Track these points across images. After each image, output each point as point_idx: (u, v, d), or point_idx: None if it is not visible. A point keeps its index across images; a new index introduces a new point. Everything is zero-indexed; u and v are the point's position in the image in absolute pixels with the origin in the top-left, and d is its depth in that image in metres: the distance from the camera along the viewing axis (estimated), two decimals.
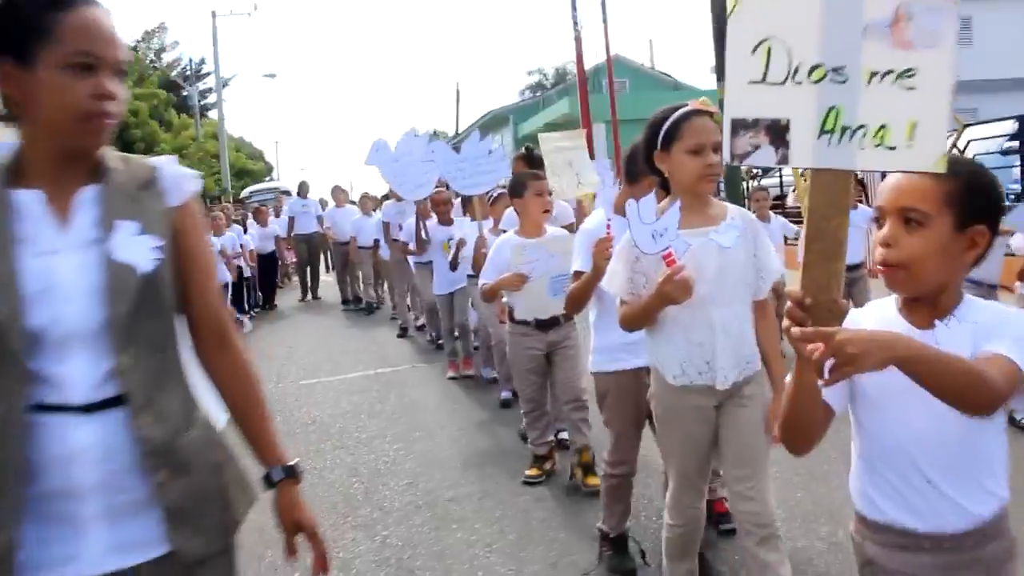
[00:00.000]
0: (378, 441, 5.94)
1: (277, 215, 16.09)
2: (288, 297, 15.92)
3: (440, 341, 8.81)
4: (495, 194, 6.54)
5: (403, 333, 10.41)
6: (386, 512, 4.59)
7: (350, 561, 4.03)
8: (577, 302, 3.59)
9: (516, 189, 4.83)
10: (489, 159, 6.03)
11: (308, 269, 15.44)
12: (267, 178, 51.63)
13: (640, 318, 2.80)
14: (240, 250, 12.61)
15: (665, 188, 2.90)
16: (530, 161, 6.26)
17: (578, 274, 3.51)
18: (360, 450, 5.78)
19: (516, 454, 5.39)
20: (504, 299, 4.99)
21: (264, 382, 6.58)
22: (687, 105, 2.79)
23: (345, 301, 13.93)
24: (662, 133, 2.76)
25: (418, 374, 8.16)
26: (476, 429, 6.08)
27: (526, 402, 4.95)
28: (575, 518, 4.28)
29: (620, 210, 3.10)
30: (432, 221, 8.01)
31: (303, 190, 15.84)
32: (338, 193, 14.56)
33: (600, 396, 3.67)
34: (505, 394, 6.61)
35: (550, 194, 4.98)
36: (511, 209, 5.44)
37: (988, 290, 5.23)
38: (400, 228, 9.27)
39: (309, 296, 15.32)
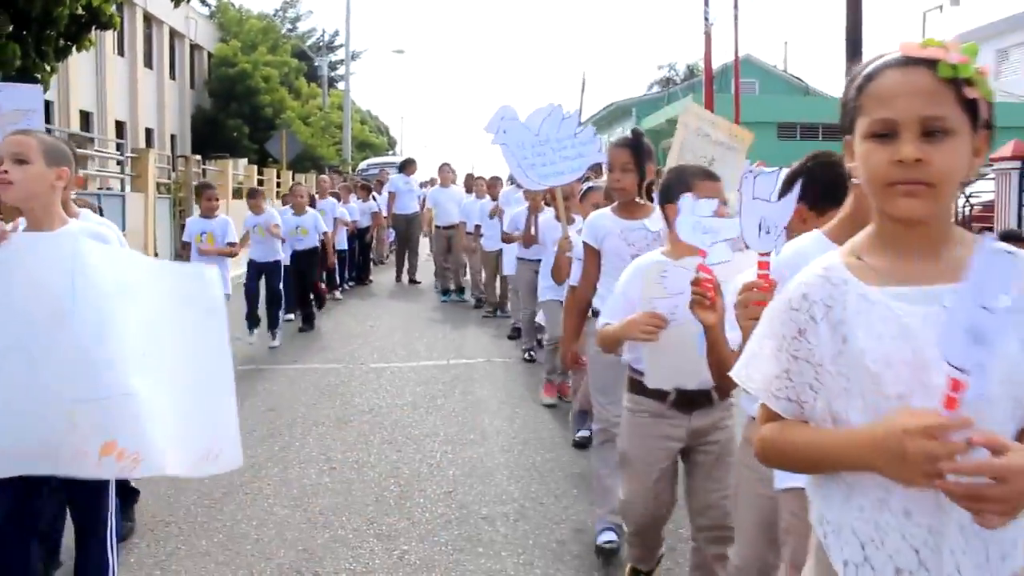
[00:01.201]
0: (428, 440, 5.66)
1: (376, 190, 15.54)
2: (386, 275, 15.64)
3: (532, 353, 8.13)
4: (585, 187, 5.49)
5: (515, 334, 9.13)
6: (414, 523, 4.29)
7: (360, 575, 3.75)
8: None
9: (677, 191, 2.84)
10: (575, 141, 4.80)
11: (406, 251, 14.65)
12: (388, 152, 52.47)
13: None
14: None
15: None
16: (635, 149, 4.03)
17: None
18: (407, 448, 5.51)
19: (565, 472, 5.02)
20: (625, 355, 3.16)
21: (335, 360, 6.49)
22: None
23: (445, 291, 12.65)
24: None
25: (490, 370, 7.85)
26: (532, 439, 5.72)
27: (635, 532, 3.32)
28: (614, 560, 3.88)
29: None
30: (546, 215, 6.87)
31: (408, 167, 15.15)
32: (446, 171, 13.29)
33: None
34: (582, 433, 5.43)
35: (725, 203, 3.22)
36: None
37: None
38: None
39: (405, 278, 14.52)
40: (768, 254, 2.05)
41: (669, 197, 2.95)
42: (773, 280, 1.96)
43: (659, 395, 3.03)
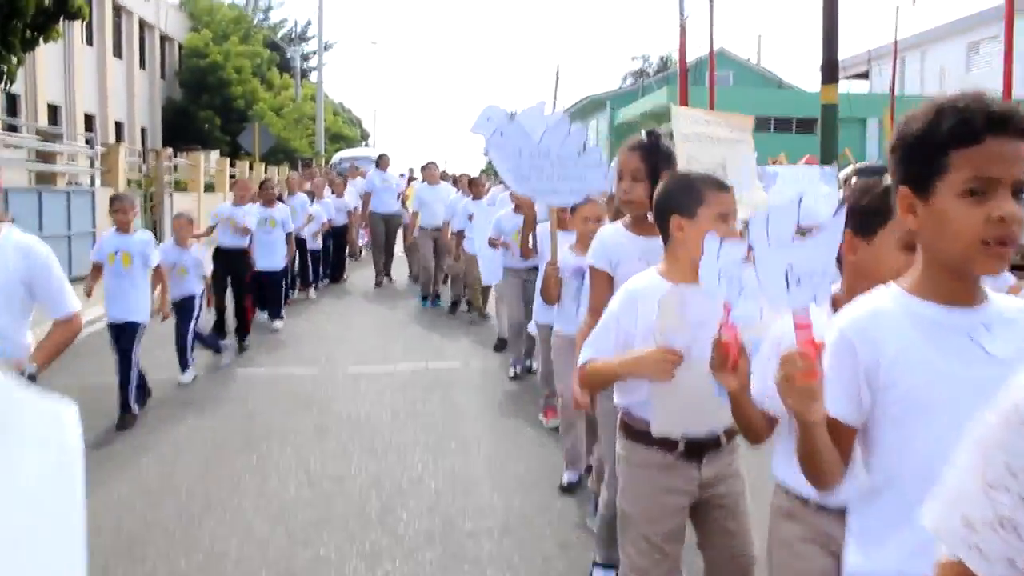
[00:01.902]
0: (409, 450, 5.59)
1: (336, 188, 14.72)
2: (359, 273, 15.24)
3: (518, 370, 7.66)
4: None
5: (501, 345, 8.69)
6: (397, 540, 4.23)
7: None
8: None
9: (683, 201, 2.61)
10: (579, 161, 4.23)
11: (384, 251, 14.06)
12: (362, 144, 52.12)
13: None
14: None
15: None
16: (650, 154, 3.30)
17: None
18: (388, 458, 5.44)
19: (549, 483, 4.97)
20: (619, 398, 2.83)
21: (311, 364, 6.30)
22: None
23: (426, 297, 11.82)
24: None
25: (469, 374, 7.79)
26: (514, 450, 5.67)
27: None
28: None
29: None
30: (544, 225, 5.57)
31: (383, 162, 14.45)
32: (432, 170, 12.45)
33: None
34: (570, 477, 4.97)
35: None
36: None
37: None
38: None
39: (384, 280, 14.05)
40: (807, 309, 1.66)
41: (671, 207, 2.61)
42: (820, 342, 1.63)
43: (666, 444, 2.64)
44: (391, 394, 7.04)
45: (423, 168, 12.78)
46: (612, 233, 3.28)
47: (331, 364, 8.10)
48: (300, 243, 11.66)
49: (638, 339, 2.55)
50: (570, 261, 4.58)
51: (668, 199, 2.65)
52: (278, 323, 9.87)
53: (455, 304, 11.13)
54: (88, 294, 6.40)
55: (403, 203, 13.65)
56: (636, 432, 2.72)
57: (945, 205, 1.49)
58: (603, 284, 3.19)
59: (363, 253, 17.15)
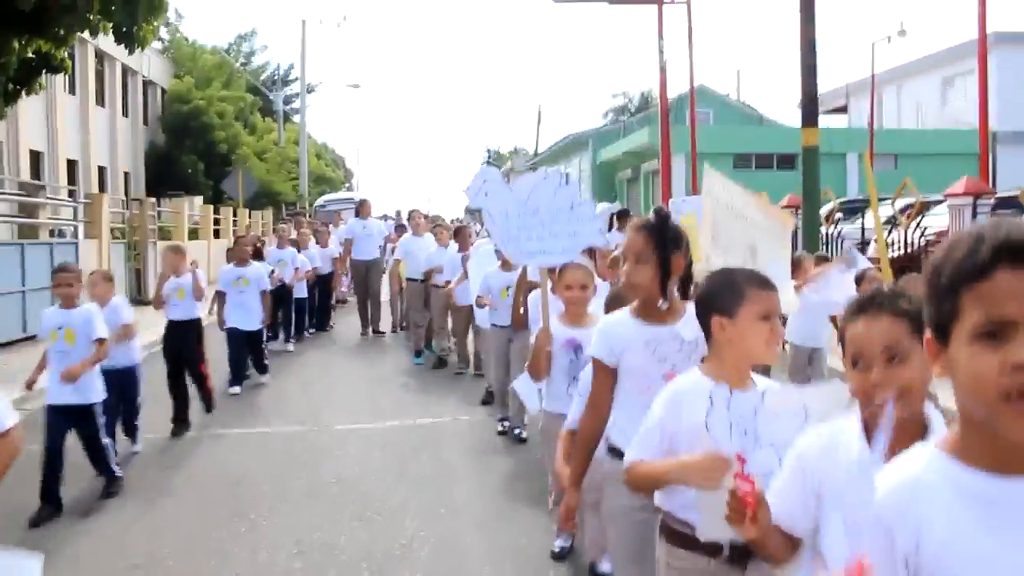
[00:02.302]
0: (399, 515, 5.55)
1: (320, 238, 14.58)
2: (346, 322, 15.04)
3: (507, 424, 7.43)
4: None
5: (488, 399, 8.41)
6: None
7: None
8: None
9: (725, 300, 2.47)
10: (571, 216, 4.02)
11: (367, 300, 13.73)
12: (344, 186, 52.24)
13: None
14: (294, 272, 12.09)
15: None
16: (657, 234, 3.01)
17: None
18: (378, 524, 5.40)
19: (539, 552, 4.92)
20: (661, 500, 2.64)
21: (299, 422, 6.12)
22: None
23: (419, 352, 11.27)
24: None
25: (458, 429, 7.76)
26: (505, 511, 5.62)
27: None
28: None
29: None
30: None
31: (364, 209, 14.30)
32: (417, 218, 12.30)
33: None
34: (562, 543, 4.85)
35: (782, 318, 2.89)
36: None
37: None
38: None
39: (370, 331, 13.65)
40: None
41: (713, 306, 2.47)
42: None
43: (711, 549, 2.47)
44: (380, 452, 7.00)
45: (408, 216, 12.80)
46: (616, 322, 3.06)
47: (319, 422, 8.06)
48: (286, 293, 11.75)
49: (683, 440, 2.42)
50: (561, 332, 4.32)
51: (709, 297, 2.53)
52: (265, 377, 9.83)
53: (442, 360, 10.75)
54: (29, 387, 6.16)
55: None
56: (679, 536, 2.55)
57: (959, 353, 1.25)
58: (605, 378, 3.01)
59: (347, 300, 17.07)
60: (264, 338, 9.99)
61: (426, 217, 14.89)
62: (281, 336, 12.27)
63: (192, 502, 5.88)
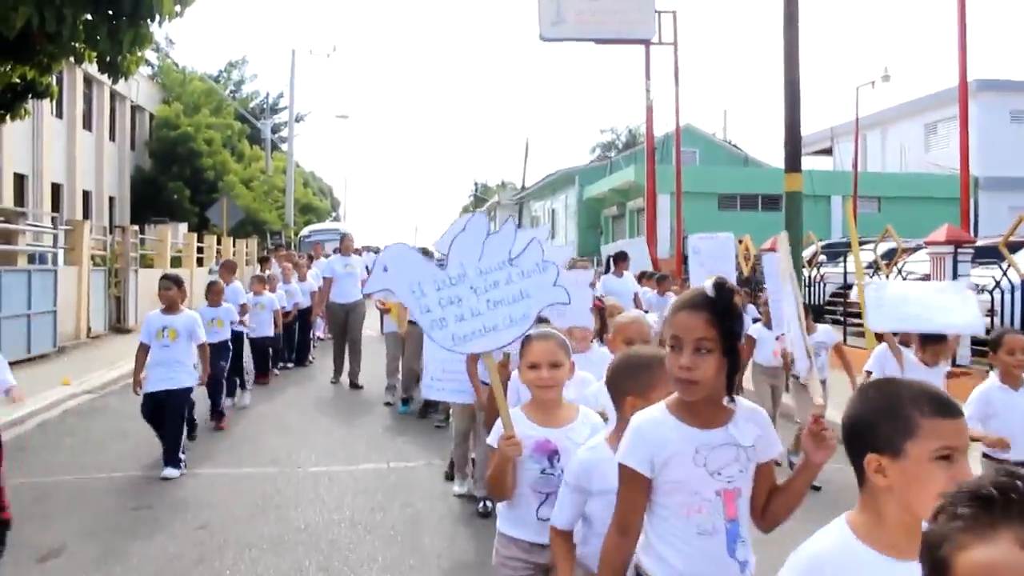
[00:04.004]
0: (366, 568, 5.44)
1: (299, 271, 14.28)
2: (327, 360, 13.67)
3: (488, 505, 6.38)
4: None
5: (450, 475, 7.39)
6: None
7: None
8: None
9: (886, 431, 1.84)
10: (512, 272, 3.09)
11: (345, 347, 12.36)
12: (331, 215, 52.26)
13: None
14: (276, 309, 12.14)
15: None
16: (723, 318, 2.38)
17: None
18: None
19: None
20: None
21: (272, 463, 5.93)
22: None
23: (406, 400, 10.45)
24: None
25: (431, 474, 7.65)
26: (473, 565, 5.54)
27: None
28: None
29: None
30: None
31: (345, 245, 13.01)
32: None
33: None
34: None
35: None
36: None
37: None
38: None
39: (344, 380, 12.28)
40: None
41: (866, 440, 1.85)
42: None
43: None
44: (350, 499, 6.89)
45: None
46: (654, 421, 2.42)
47: (291, 463, 7.95)
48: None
49: None
50: (527, 432, 3.12)
51: (862, 427, 1.88)
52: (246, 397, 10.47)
53: (428, 405, 9.76)
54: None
55: None
56: None
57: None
58: (640, 494, 2.42)
59: (316, 345, 15.97)
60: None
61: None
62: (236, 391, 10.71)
63: (158, 548, 5.74)
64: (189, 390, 7.75)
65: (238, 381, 10.66)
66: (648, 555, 2.45)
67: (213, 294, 9.79)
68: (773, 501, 2.49)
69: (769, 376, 8.08)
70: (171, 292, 7.71)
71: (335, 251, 13.89)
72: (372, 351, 12.75)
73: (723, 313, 2.33)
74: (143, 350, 7.61)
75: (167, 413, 7.48)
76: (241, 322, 10.49)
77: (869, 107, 35.87)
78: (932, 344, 5.57)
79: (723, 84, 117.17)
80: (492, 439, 3.15)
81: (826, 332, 8.06)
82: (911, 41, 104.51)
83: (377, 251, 13.83)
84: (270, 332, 11.93)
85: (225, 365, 9.74)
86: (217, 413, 9.47)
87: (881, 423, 1.81)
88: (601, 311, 4.63)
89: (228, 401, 10.17)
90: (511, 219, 3.72)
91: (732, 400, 2.40)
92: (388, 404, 10.74)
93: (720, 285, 2.36)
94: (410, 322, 9.56)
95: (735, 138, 46.98)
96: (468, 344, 3.14)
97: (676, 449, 2.36)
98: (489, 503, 6.29)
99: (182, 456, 7.54)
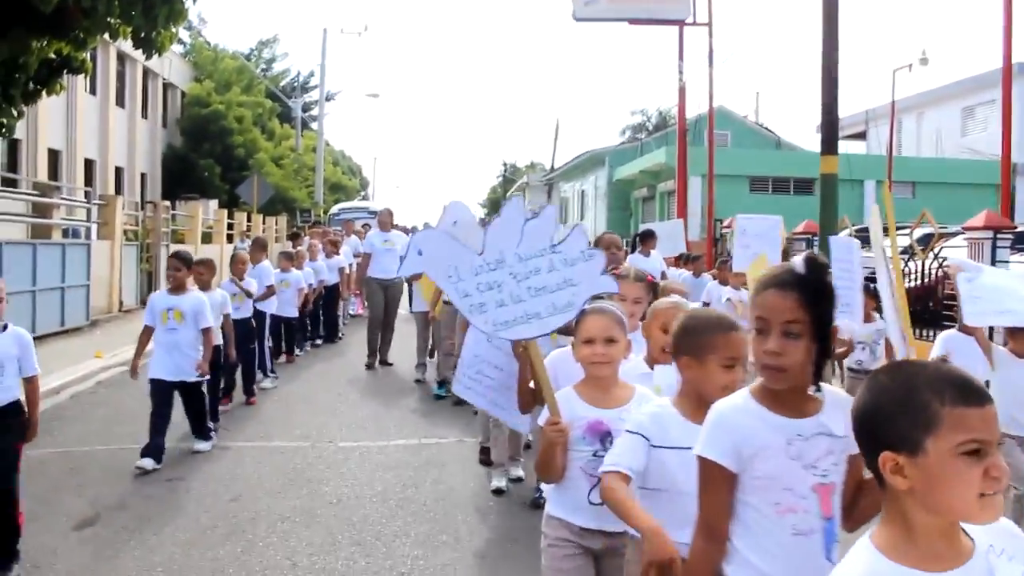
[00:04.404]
0: (399, 542, 5.43)
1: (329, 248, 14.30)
2: (359, 336, 13.63)
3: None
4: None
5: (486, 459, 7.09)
6: None
7: None
8: None
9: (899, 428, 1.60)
10: (555, 258, 2.99)
11: (382, 327, 11.87)
12: (360, 195, 52.36)
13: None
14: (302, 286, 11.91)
15: None
16: (816, 298, 2.19)
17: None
18: (377, 551, 5.28)
19: None
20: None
21: (302, 438, 5.71)
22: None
23: (442, 383, 9.81)
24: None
25: (461, 451, 7.62)
26: (507, 543, 5.49)
27: None
28: None
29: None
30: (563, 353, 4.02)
31: (384, 220, 12.47)
32: None
33: None
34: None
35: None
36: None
37: None
38: None
39: (377, 361, 11.86)
40: None
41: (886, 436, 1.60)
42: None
43: None
44: (382, 474, 6.88)
45: None
46: (738, 409, 2.20)
47: (323, 437, 7.96)
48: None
49: None
50: (579, 412, 3.01)
51: (873, 421, 1.63)
52: (266, 382, 10.13)
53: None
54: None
55: None
56: None
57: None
58: (726, 491, 2.19)
59: (347, 322, 16.14)
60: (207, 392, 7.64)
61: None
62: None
63: (188, 518, 5.77)
64: (200, 384, 7.25)
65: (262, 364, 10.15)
66: (733, 563, 2.20)
67: (237, 264, 9.42)
68: (863, 498, 2.23)
69: (862, 379, 7.50)
70: (180, 273, 7.14)
71: (375, 225, 13.08)
72: (400, 330, 12.59)
73: (815, 293, 2.13)
74: (146, 333, 7.15)
75: (184, 402, 7.20)
76: (257, 297, 9.72)
77: (904, 90, 35.31)
78: (1021, 333, 5.23)
79: (755, 66, 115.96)
80: (541, 419, 3.03)
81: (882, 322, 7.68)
82: (948, 24, 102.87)
83: (410, 230, 13.50)
84: (293, 312, 11.59)
85: (253, 347, 9.49)
86: (249, 389, 9.42)
87: (896, 415, 1.56)
88: (654, 287, 4.43)
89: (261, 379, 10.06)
90: (550, 205, 3.55)
91: (818, 389, 2.20)
92: (419, 382, 10.72)
93: (812, 260, 2.15)
94: (445, 302, 8.90)
95: (767, 121, 46.49)
96: (509, 330, 3.05)
97: (766, 440, 2.14)
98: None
99: (211, 427, 7.54)
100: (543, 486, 3.18)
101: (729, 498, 2.18)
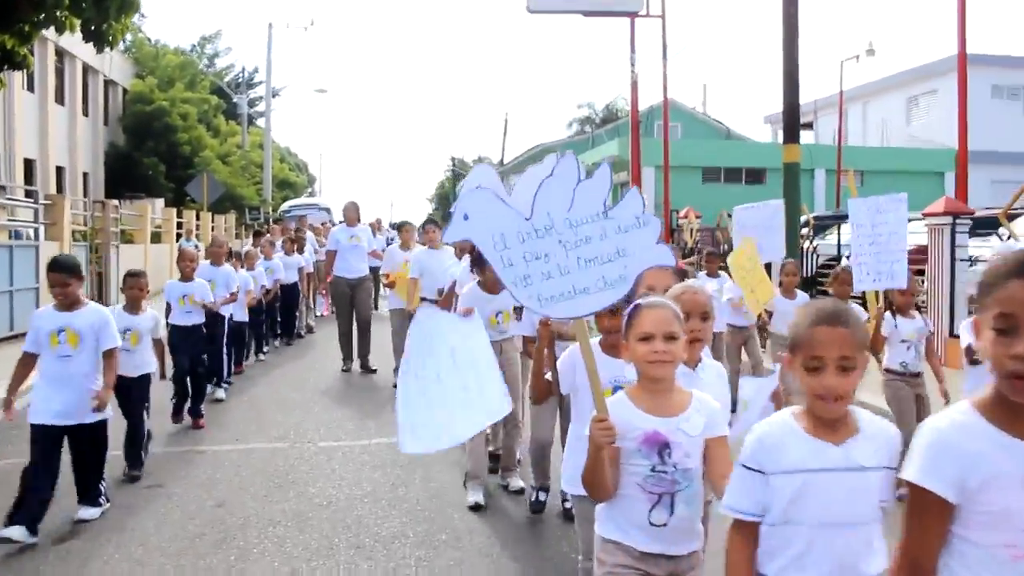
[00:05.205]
0: (398, 543, 5.26)
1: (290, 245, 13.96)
2: (326, 332, 13.62)
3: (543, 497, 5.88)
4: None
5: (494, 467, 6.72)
6: None
7: None
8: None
9: None
10: (607, 225, 2.67)
11: (352, 328, 11.22)
12: (307, 191, 51.64)
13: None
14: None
15: None
16: None
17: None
18: (378, 553, 5.10)
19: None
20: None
21: (279, 439, 5.59)
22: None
23: None
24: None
25: (447, 449, 7.44)
26: (509, 539, 5.35)
27: None
28: None
29: None
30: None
31: (350, 215, 11.73)
32: (432, 231, 9.19)
33: None
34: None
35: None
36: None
37: None
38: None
39: (355, 366, 11.23)
40: None
41: None
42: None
43: None
44: (369, 474, 6.70)
45: (399, 228, 10.80)
46: (961, 427, 1.85)
47: (300, 438, 7.73)
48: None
49: None
50: (633, 420, 2.68)
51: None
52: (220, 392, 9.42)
53: None
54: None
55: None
56: None
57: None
58: (940, 521, 1.87)
59: (315, 321, 15.72)
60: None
61: (395, 227, 13.16)
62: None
63: (174, 526, 5.53)
64: (103, 424, 5.61)
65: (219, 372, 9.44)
66: None
67: (184, 262, 8.35)
68: None
69: (909, 382, 6.33)
70: (69, 288, 5.43)
71: (343, 221, 12.24)
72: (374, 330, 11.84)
73: None
74: (25, 361, 5.47)
75: (79, 450, 5.54)
76: (222, 302, 9.04)
77: (851, 81, 35.86)
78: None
79: (703, 59, 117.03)
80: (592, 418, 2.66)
81: (924, 319, 6.56)
82: (892, 15, 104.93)
83: (395, 228, 12.55)
84: (243, 316, 10.70)
85: (203, 355, 8.53)
86: (195, 411, 8.17)
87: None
88: (683, 273, 4.26)
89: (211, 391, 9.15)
90: (606, 163, 3.12)
91: None
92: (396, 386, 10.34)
93: None
94: (422, 299, 8.83)
95: (715, 113, 46.92)
96: (553, 306, 2.66)
97: (999, 467, 1.78)
98: (543, 494, 5.82)
99: (102, 487, 5.74)
100: (597, 507, 2.84)
101: (944, 532, 1.86)
